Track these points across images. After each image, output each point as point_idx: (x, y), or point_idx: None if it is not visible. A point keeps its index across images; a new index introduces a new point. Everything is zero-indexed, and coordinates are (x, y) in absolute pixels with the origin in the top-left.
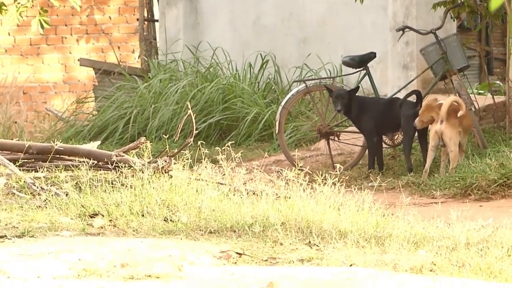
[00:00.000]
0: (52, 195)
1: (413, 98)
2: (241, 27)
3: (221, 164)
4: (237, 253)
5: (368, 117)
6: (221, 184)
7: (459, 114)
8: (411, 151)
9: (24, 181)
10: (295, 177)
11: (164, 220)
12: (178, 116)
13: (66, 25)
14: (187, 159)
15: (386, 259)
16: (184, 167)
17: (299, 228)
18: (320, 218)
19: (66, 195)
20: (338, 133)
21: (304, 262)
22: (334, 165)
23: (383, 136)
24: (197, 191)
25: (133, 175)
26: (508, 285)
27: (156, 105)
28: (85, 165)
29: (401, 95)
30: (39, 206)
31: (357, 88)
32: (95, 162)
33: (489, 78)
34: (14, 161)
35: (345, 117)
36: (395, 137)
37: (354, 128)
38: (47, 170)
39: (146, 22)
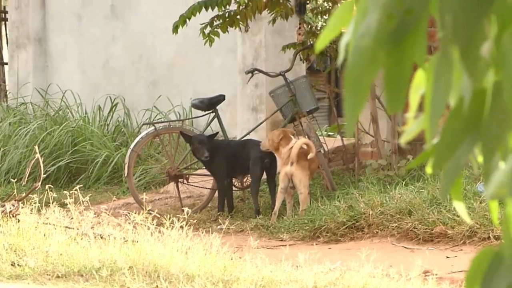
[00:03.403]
0: None
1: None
2: (91, 69)
3: (69, 207)
4: None
5: (219, 159)
6: (69, 228)
7: (309, 157)
8: (258, 193)
9: None
10: (143, 220)
11: (11, 264)
12: (27, 159)
13: None
14: (35, 203)
15: None
16: (32, 211)
17: (146, 272)
18: (167, 262)
19: None
20: (187, 176)
21: None
22: (183, 208)
23: (233, 178)
24: (44, 235)
25: None
26: None
27: (5, 148)
28: None
29: (250, 138)
30: None
31: (216, 133)
32: None
33: (338, 120)
34: None
35: (195, 159)
36: (244, 180)
37: (203, 171)
38: None
39: None
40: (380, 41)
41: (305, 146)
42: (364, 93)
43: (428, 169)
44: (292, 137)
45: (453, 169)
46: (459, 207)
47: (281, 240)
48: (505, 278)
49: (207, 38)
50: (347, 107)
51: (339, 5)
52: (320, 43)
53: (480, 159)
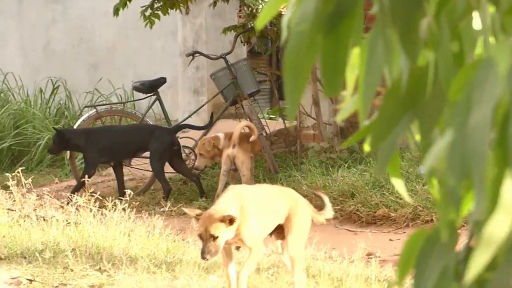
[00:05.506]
0: None
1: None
2: (32, 52)
3: (11, 190)
4: (27, 279)
5: (90, 146)
6: (11, 210)
7: (251, 139)
8: (164, 175)
9: None
10: (86, 202)
11: None
12: None
13: None
14: None
15: (177, 285)
16: None
17: (89, 254)
18: (110, 244)
19: None
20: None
21: None
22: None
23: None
24: None
25: None
26: None
27: None
28: None
29: (193, 120)
30: None
31: (59, 129)
32: None
33: (280, 103)
34: None
35: None
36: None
37: (146, 154)
38: None
39: None
40: (317, 25)
41: (247, 129)
42: (304, 77)
43: (366, 147)
44: (217, 135)
45: (390, 146)
46: (398, 184)
47: None
48: (439, 260)
49: (147, 20)
50: (288, 91)
51: None
52: (260, 22)
53: (418, 137)
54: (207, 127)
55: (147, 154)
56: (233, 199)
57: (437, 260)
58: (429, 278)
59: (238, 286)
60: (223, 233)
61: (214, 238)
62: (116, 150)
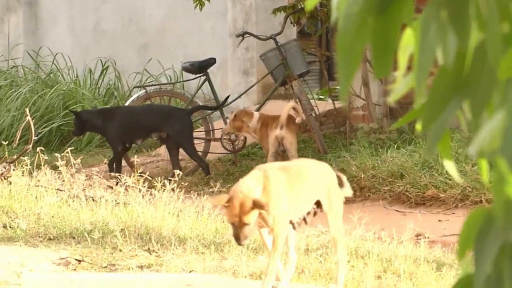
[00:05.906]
0: None
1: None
2: (81, 32)
3: (61, 170)
4: (76, 259)
5: (111, 126)
6: (60, 190)
7: (297, 121)
8: (197, 153)
9: None
10: (135, 183)
11: (3, 227)
12: (19, 122)
13: None
14: (27, 165)
15: (226, 266)
16: (23, 173)
17: (138, 234)
18: (159, 224)
19: None
20: None
21: (143, 269)
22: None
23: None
24: (36, 197)
25: None
26: None
27: None
28: None
29: (242, 101)
30: None
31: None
32: None
33: (329, 84)
34: None
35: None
36: (236, 142)
37: (194, 134)
38: None
39: None
40: (368, 6)
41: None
42: (356, 59)
43: (418, 126)
44: (254, 113)
45: (440, 126)
46: (449, 165)
47: None
48: (497, 238)
49: (197, 2)
50: (341, 73)
51: None
52: (310, 2)
53: (469, 116)
54: (218, 108)
55: (196, 134)
56: (256, 179)
57: (496, 239)
58: (488, 257)
59: (268, 272)
60: (254, 217)
61: (247, 224)
62: (129, 130)
